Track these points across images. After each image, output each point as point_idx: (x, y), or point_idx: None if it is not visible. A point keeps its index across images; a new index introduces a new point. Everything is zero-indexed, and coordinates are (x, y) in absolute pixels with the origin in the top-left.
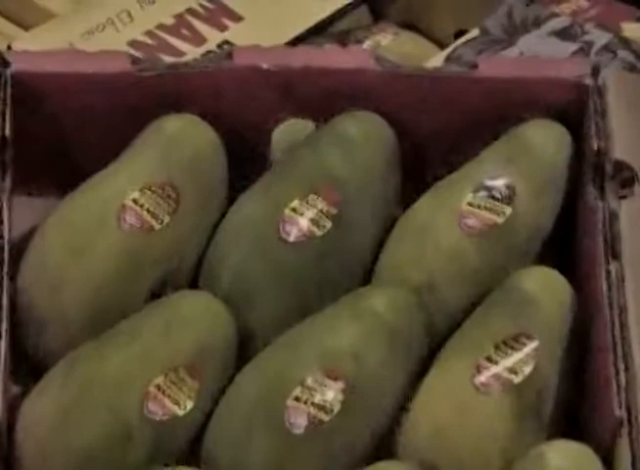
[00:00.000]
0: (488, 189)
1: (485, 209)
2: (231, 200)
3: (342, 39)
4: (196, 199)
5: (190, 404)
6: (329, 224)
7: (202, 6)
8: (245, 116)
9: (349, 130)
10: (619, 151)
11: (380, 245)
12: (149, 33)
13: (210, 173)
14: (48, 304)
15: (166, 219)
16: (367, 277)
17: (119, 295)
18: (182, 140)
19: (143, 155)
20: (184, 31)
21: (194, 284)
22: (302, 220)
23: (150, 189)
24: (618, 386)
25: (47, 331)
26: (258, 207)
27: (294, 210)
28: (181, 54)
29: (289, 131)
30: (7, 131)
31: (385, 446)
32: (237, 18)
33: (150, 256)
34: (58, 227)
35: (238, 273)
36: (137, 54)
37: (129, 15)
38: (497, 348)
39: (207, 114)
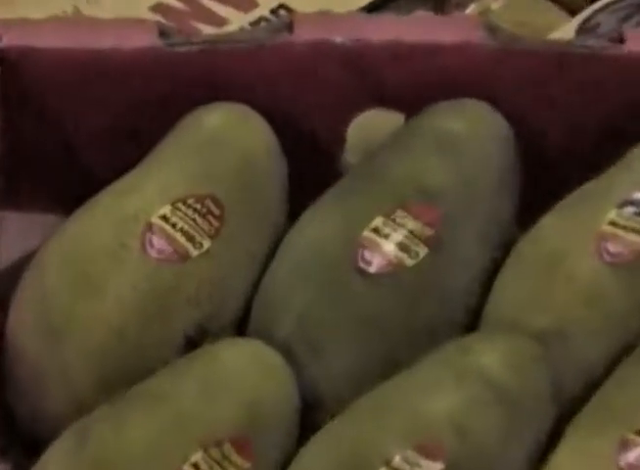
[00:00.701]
0: (638, 204)
1: (633, 231)
2: (291, 217)
3: (439, 4)
4: (245, 216)
5: None
6: (423, 250)
7: None
8: (309, 106)
9: (451, 125)
10: None
11: (490, 278)
12: None
13: (265, 183)
14: (48, 354)
15: (206, 244)
16: (473, 321)
17: (143, 344)
18: (227, 139)
19: (175, 158)
20: None
21: (241, 330)
22: (387, 245)
23: (185, 203)
24: None
25: (46, 390)
26: (328, 227)
27: (376, 231)
28: (223, 22)
29: (368, 126)
30: None
31: None
32: None
33: (183, 292)
34: (62, 255)
35: (302, 316)
36: (165, 23)
37: None
38: None
39: (258, 104)
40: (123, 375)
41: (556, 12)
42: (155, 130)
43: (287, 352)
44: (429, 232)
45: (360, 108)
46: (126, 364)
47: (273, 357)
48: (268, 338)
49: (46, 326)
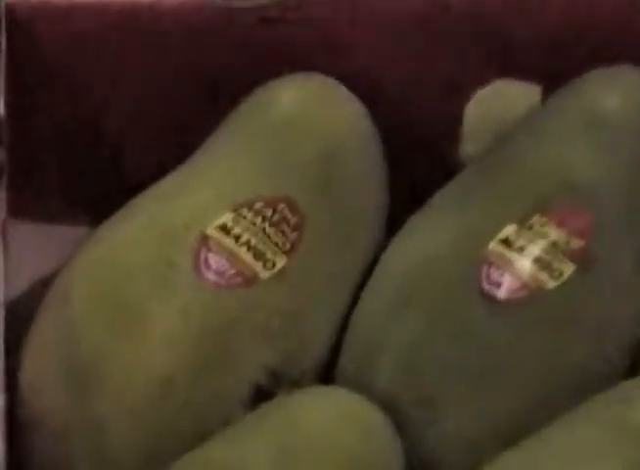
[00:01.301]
0: None
1: None
2: (390, 228)
3: None
4: (331, 226)
5: None
6: (569, 268)
7: None
8: (407, 81)
9: (605, 103)
10: None
11: None
12: None
13: (357, 182)
14: (75, 413)
15: (280, 262)
16: (635, 362)
17: (198, 397)
18: (307, 123)
19: (237, 150)
20: None
21: (327, 375)
22: (522, 262)
23: (251, 209)
24: None
25: (74, 459)
26: (441, 239)
27: (506, 243)
28: None
29: (493, 104)
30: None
31: None
32: None
33: (250, 326)
34: (91, 279)
35: (407, 358)
36: None
37: None
38: None
39: (340, 75)
40: (172, 438)
41: None
42: (208, 113)
43: (388, 406)
44: (576, 244)
45: (480, 80)
46: (176, 424)
47: (371, 413)
48: (364, 386)
49: (72, 375)
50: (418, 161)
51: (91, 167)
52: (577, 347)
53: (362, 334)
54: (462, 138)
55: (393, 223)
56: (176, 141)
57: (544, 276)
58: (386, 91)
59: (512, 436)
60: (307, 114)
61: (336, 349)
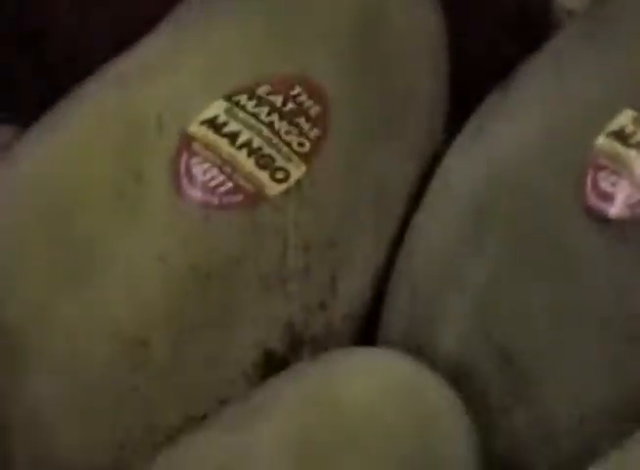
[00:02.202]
0: None
1: None
2: (452, 127)
3: None
4: (369, 118)
5: None
6: None
7: None
8: None
9: None
10: None
11: None
12: None
13: (406, 57)
14: (6, 395)
15: (296, 171)
16: None
17: (181, 368)
18: None
19: (233, 8)
20: None
21: (365, 332)
22: None
23: (253, 95)
24: None
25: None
26: (527, 134)
27: (621, 135)
28: None
29: None
30: None
31: None
32: None
33: (254, 267)
34: (22, 209)
35: (486, 308)
36: None
37: None
38: None
39: None
40: (146, 428)
41: None
42: None
43: (458, 377)
44: None
45: None
46: (153, 406)
47: (433, 388)
48: (423, 348)
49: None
50: (496, 20)
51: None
52: None
53: (420, 273)
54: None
55: (458, 113)
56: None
57: None
58: None
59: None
60: None
61: (379, 293)
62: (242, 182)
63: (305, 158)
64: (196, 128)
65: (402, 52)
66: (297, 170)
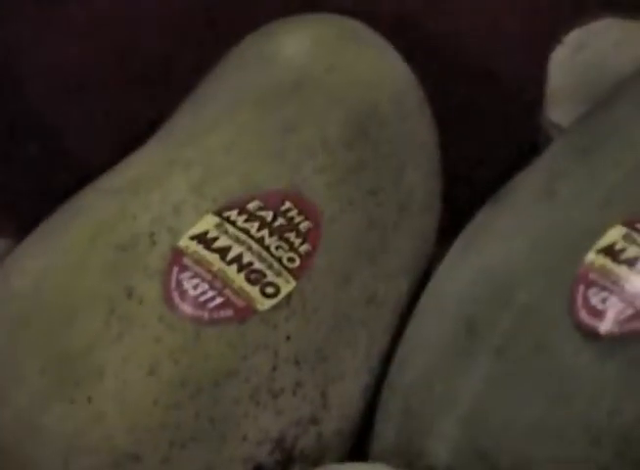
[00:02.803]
0: None
1: None
2: (445, 232)
3: None
4: (362, 231)
5: None
6: None
7: None
8: (465, 24)
9: None
10: None
11: None
12: None
13: (400, 163)
14: None
15: (286, 286)
16: None
17: None
18: (325, 80)
19: (225, 119)
20: None
21: (357, 447)
22: (635, 279)
23: (243, 210)
24: None
25: None
26: (518, 247)
27: (610, 251)
28: None
29: (588, 55)
30: None
31: None
32: None
33: (244, 381)
34: (14, 323)
35: (479, 422)
36: None
37: None
38: None
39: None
40: None
41: None
42: (189, 64)
43: None
44: None
45: (571, 17)
46: None
47: None
48: (416, 463)
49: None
50: (479, 135)
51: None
52: None
53: (411, 387)
54: (546, 103)
55: (450, 228)
56: (142, 103)
57: None
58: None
59: None
60: (324, 65)
61: (371, 408)
62: (232, 297)
63: (295, 273)
64: (186, 242)
65: (395, 164)
66: (287, 285)
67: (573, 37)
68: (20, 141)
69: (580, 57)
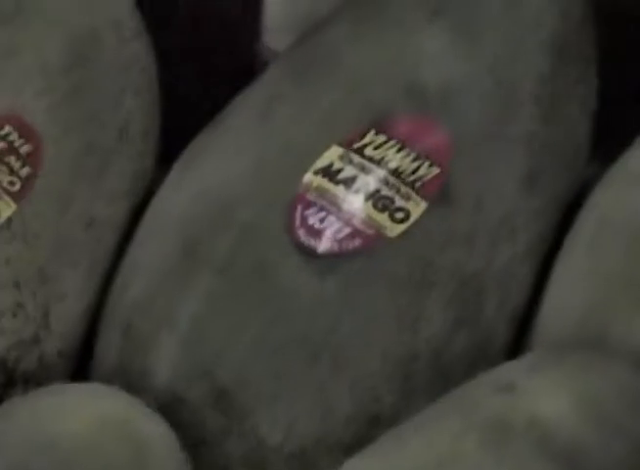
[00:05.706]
0: None
1: None
2: (169, 156)
3: None
4: (82, 153)
5: None
6: (403, 205)
7: None
8: None
9: None
10: None
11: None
12: None
13: (116, 87)
14: None
15: (6, 210)
16: (517, 339)
17: None
18: (47, 6)
19: None
20: None
21: (79, 367)
22: (352, 199)
23: None
24: None
25: None
26: (236, 168)
27: (327, 172)
28: None
29: None
30: None
31: None
32: None
33: None
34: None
35: (196, 342)
36: None
37: None
38: None
39: None
40: None
41: None
42: None
43: (172, 409)
44: (427, 171)
45: None
46: None
47: (145, 421)
48: (135, 381)
49: None
50: (201, 59)
51: None
52: (432, 313)
53: (132, 307)
54: (264, 31)
55: (171, 151)
56: None
57: (383, 219)
58: None
59: (350, 443)
60: None
61: (93, 326)
62: None
63: (15, 196)
64: None
65: (114, 89)
66: (7, 209)
67: None
68: None
69: None
